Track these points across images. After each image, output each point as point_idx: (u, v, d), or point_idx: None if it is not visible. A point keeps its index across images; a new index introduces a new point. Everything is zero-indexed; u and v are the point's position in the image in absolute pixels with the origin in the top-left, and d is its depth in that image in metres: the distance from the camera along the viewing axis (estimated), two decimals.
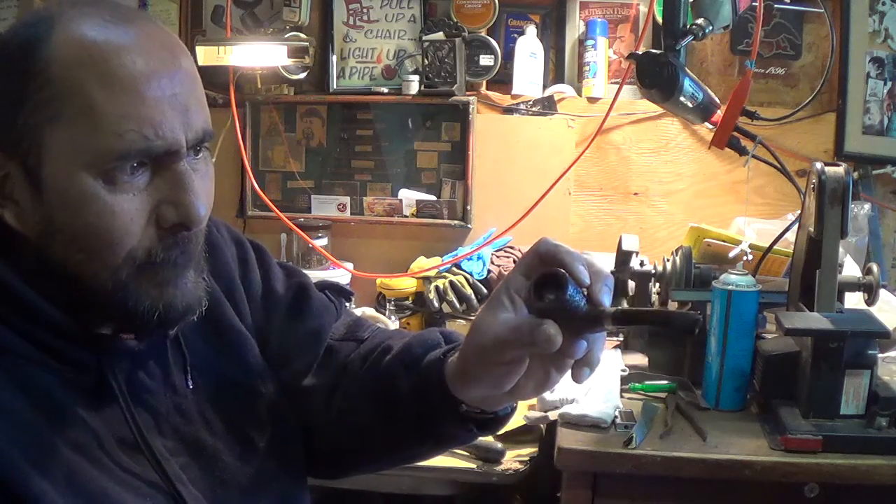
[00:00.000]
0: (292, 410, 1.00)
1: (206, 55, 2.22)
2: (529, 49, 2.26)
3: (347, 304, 1.16)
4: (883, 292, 1.57)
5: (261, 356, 0.98)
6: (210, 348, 0.93)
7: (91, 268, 0.76)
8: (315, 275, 2.18)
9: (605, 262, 1.88)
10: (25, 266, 0.77)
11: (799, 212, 1.67)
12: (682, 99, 1.71)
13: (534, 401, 1.65)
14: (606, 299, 0.74)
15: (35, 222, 0.76)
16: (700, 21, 1.69)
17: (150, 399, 0.84)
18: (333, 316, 1.09)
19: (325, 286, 1.12)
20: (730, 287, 1.54)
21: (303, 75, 2.37)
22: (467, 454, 1.60)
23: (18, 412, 0.72)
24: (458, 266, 2.18)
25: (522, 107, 2.30)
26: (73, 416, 0.76)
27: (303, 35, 2.29)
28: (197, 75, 0.79)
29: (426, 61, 2.26)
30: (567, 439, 1.45)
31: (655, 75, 1.69)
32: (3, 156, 0.75)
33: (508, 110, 2.31)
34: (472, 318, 2.09)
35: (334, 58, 2.38)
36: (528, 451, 1.61)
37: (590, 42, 2.24)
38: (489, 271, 2.16)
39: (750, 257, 1.80)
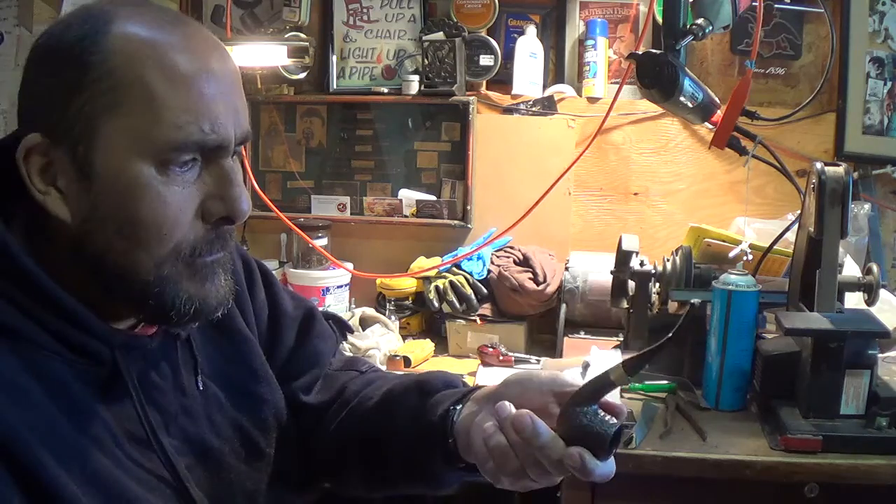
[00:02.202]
0: (293, 420, 1.03)
1: None
2: (529, 49, 2.26)
3: (344, 341, 1.21)
4: (883, 292, 1.57)
5: (267, 363, 1.01)
6: (218, 352, 0.95)
7: (134, 258, 0.78)
8: (315, 275, 2.20)
9: (605, 262, 1.88)
10: (57, 254, 0.78)
11: (799, 212, 1.67)
12: (682, 99, 1.71)
13: None
14: None
15: (79, 211, 0.77)
16: (700, 21, 1.69)
17: (159, 398, 0.85)
18: (333, 345, 1.13)
19: (328, 316, 1.16)
20: (730, 287, 1.54)
21: (303, 75, 2.37)
22: None
23: (34, 398, 0.74)
24: (458, 266, 2.18)
25: (522, 107, 2.30)
26: (86, 407, 0.77)
27: (303, 35, 2.29)
28: (240, 77, 0.83)
29: (426, 61, 2.26)
30: None
31: (655, 75, 1.69)
32: (48, 144, 0.76)
33: (508, 110, 2.31)
34: (473, 318, 2.12)
35: (334, 58, 2.38)
36: None
37: (590, 42, 2.24)
38: (489, 271, 2.16)
39: (750, 257, 1.80)
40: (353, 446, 1.01)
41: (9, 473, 0.69)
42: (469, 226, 2.33)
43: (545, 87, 2.30)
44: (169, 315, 0.80)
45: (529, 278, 2.11)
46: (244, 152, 2.31)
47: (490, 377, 1.96)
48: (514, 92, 2.29)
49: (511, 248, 2.22)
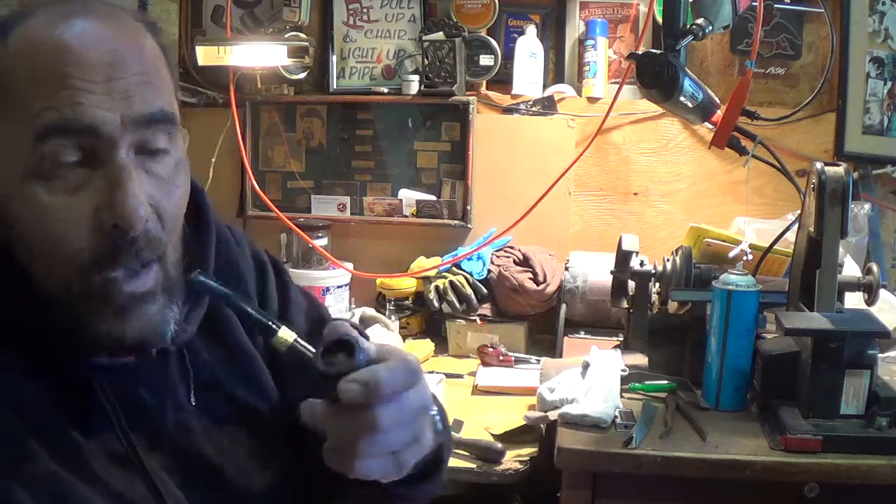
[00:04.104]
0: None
1: (206, 55, 2.22)
2: (529, 49, 2.26)
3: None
4: (883, 292, 1.57)
5: (270, 378, 0.93)
6: (218, 366, 0.89)
7: (43, 275, 0.73)
8: (315, 275, 2.20)
9: (605, 262, 1.88)
10: (13, 275, 0.74)
11: (799, 212, 1.67)
12: (682, 99, 1.71)
13: (534, 400, 1.65)
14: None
15: (5, 230, 0.73)
16: (700, 21, 1.69)
17: (145, 418, 0.80)
18: None
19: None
20: (730, 287, 1.54)
21: (303, 75, 2.37)
22: (467, 454, 1.61)
23: (5, 424, 0.70)
24: (458, 266, 2.18)
25: (522, 107, 2.30)
26: (61, 430, 0.73)
27: (303, 35, 2.29)
28: (155, 60, 0.76)
29: (426, 61, 2.26)
30: (567, 439, 1.45)
31: (655, 75, 1.69)
32: None
33: (508, 110, 2.31)
34: (473, 318, 2.12)
35: (334, 58, 2.38)
36: (528, 451, 1.61)
37: (590, 42, 2.24)
38: (489, 271, 2.16)
39: (750, 257, 1.80)
40: None
41: None
42: (469, 226, 2.33)
43: (545, 87, 2.30)
44: (80, 345, 0.74)
45: (529, 278, 2.11)
46: (244, 153, 2.32)
47: (490, 377, 1.96)
48: (514, 92, 2.29)
49: (511, 248, 2.22)
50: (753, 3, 1.82)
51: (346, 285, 2.24)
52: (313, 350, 0.71)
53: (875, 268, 1.53)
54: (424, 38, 2.26)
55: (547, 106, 2.29)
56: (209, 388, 0.86)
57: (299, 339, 0.72)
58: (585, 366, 1.68)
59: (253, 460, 0.89)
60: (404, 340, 2.16)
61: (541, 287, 2.09)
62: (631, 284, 1.75)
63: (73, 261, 0.71)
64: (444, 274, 2.17)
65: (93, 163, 0.71)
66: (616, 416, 1.50)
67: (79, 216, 0.70)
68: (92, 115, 0.69)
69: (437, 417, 0.81)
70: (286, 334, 0.72)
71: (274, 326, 0.73)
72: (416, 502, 0.89)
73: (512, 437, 1.63)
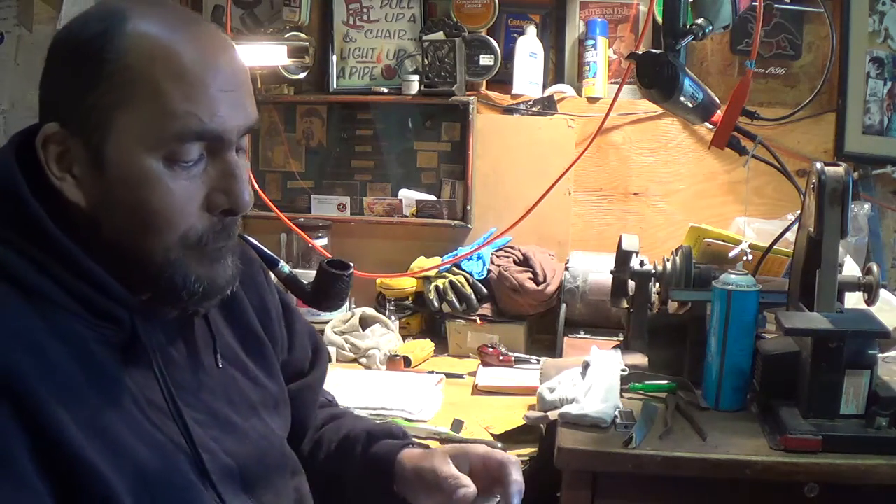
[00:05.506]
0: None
1: None
2: (529, 49, 2.26)
3: None
4: (883, 292, 1.57)
5: (278, 365, 1.06)
6: (235, 343, 1.00)
7: (144, 243, 0.83)
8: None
9: (605, 262, 1.88)
10: (75, 234, 0.81)
11: (799, 212, 1.67)
12: (682, 99, 1.70)
13: (534, 400, 1.65)
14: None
15: (92, 196, 0.82)
16: (700, 21, 1.68)
17: (175, 373, 0.88)
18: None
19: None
20: (730, 287, 1.54)
21: (303, 75, 2.37)
22: None
23: (55, 356, 0.77)
24: (458, 266, 2.18)
25: (522, 107, 2.30)
26: (107, 369, 0.81)
27: (303, 35, 2.29)
28: (248, 71, 0.89)
29: (426, 61, 2.26)
30: (567, 439, 1.45)
31: (655, 75, 1.69)
32: (66, 132, 0.81)
33: (508, 110, 2.31)
34: (473, 318, 2.12)
35: (334, 58, 2.38)
36: (528, 451, 1.61)
37: (590, 42, 2.24)
38: (489, 271, 2.16)
39: (750, 257, 1.80)
40: (321, 476, 1.11)
41: (21, 425, 0.72)
42: (469, 226, 2.33)
43: (545, 87, 2.30)
44: (180, 295, 0.85)
45: (529, 278, 2.10)
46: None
47: (490, 377, 1.96)
48: (514, 92, 2.29)
49: (511, 248, 2.22)
50: (753, 3, 1.82)
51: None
52: (304, 282, 1.00)
53: (875, 268, 1.53)
54: (424, 38, 2.26)
55: (547, 106, 2.29)
56: (228, 359, 0.97)
57: (293, 271, 1.01)
58: (585, 366, 1.68)
59: (268, 430, 1.00)
60: (404, 340, 2.16)
61: (541, 287, 2.09)
62: (631, 284, 1.75)
63: (181, 234, 0.83)
64: (444, 274, 2.17)
65: (209, 155, 0.84)
66: (616, 416, 1.50)
67: (195, 199, 0.84)
68: (225, 125, 0.83)
69: None
70: (284, 267, 1.01)
71: (278, 259, 1.00)
72: None
73: (512, 437, 1.63)
